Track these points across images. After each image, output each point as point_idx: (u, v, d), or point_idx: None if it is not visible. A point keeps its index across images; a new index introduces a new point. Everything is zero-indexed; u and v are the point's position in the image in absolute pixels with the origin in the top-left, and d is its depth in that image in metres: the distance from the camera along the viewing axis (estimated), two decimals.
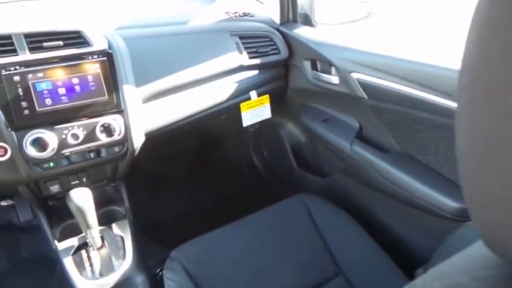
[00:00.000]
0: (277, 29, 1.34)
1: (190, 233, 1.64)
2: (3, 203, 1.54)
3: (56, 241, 1.12)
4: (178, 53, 1.17)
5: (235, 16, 1.35)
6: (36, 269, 1.49)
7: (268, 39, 1.31)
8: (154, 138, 1.14)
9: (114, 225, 1.15)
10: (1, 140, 0.92)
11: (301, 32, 1.30)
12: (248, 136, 1.85)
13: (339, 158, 1.31)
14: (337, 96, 1.23)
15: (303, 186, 1.59)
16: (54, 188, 1.14)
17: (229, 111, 1.30)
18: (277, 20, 1.38)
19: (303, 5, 1.33)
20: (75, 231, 1.18)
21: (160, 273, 1.37)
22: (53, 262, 1.41)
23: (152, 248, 1.43)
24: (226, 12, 1.35)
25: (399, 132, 1.10)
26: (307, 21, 1.34)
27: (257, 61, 1.28)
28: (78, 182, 1.16)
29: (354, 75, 1.10)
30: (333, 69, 1.19)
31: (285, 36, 1.32)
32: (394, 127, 1.11)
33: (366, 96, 1.10)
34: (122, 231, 1.14)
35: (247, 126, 1.60)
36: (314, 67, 1.28)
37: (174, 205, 1.69)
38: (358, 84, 1.10)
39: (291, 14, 1.35)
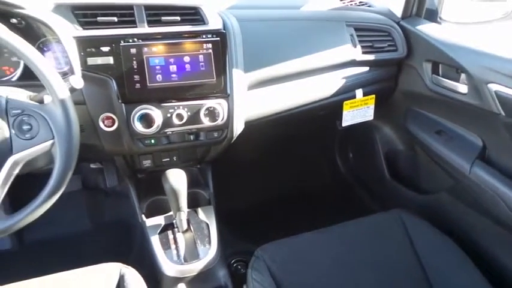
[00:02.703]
0: (398, 23, 1.20)
1: (263, 225, 1.61)
2: (93, 166, 1.62)
3: (143, 215, 1.13)
4: (290, 40, 1.08)
5: (351, 5, 1.24)
6: (115, 232, 1.54)
7: (386, 33, 1.17)
8: (251, 127, 1.09)
9: (199, 210, 1.13)
10: (111, 111, 0.92)
11: (426, 29, 1.14)
12: (334, 135, 1.74)
13: (449, 176, 1.15)
14: (459, 107, 1.07)
15: (393, 198, 1.45)
16: (147, 163, 1.14)
17: (331, 107, 1.20)
18: (397, 13, 1.23)
19: None
20: (160, 208, 1.18)
21: (235, 264, 1.35)
22: (132, 230, 1.46)
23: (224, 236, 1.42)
24: (341, 0, 1.24)
25: None
26: (432, 17, 1.18)
27: (371, 57, 1.15)
28: (168, 159, 1.15)
29: (493, 87, 0.93)
30: (463, 76, 1.03)
31: (405, 31, 1.18)
32: None
33: (503, 113, 0.93)
34: (207, 217, 1.11)
35: (337, 124, 1.49)
36: (435, 71, 1.13)
37: (247, 194, 1.65)
38: (495, 98, 0.93)
39: (415, 8, 1.19)
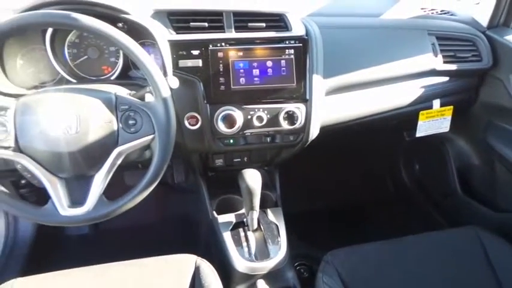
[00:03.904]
0: (483, 33, 1.15)
1: (325, 231, 1.60)
2: None
3: (214, 212, 1.18)
4: (369, 47, 1.08)
5: (433, 13, 1.21)
6: (181, 226, 1.61)
7: (470, 43, 1.13)
8: (325, 133, 1.10)
9: (268, 211, 1.16)
10: (195, 111, 0.97)
11: None
12: (400, 146, 1.70)
13: None
14: None
15: (464, 215, 1.38)
16: (219, 162, 1.19)
17: (405, 117, 1.18)
18: (482, 22, 1.18)
19: None
20: (229, 206, 1.23)
21: (297, 267, 1.36)
22: (198, 225, 1.52)
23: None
24: (422, 8, 1.22)
25: None
26: None
27: (452, 67, 1.12)
28: (239, 160, 1.19)
29: None
30: None
31: (492, 42, 1.13)
32: None
33: None
34: (276, 218, 1.13)
35: (404, 135, 1.45)
36: None
37: (310, 199, 1.65)
38: None
39: (503, 17, 1.14)
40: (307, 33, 0.99)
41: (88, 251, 1.55)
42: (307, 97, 0.99)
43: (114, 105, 0.78)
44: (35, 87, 0.95)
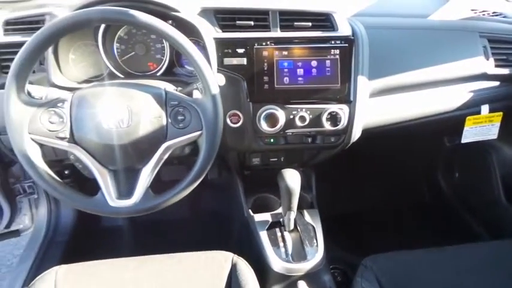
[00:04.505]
0: None
1: (358, 235, 1.57)
2: (196, 158, 1.73)
3: (250, 210, 1.18)
4: (416, 49, 1.05)
5: (484, 15, 1.16)
6: (212, 223, 1.63)
7: None
8: (366, 135, 1.08)
9: (305, 212, 1.15)
10: (238, 109, 0.98)
11: None
12: (440, 152, 1.64)
13: None
14: None
15: (508, 225, 1.32)
16: (256, 161, 1.19)
17: (451, 122, 1.14)
18: None
19: None
20: (264, 205, 1.23)
21: (331, 271, 1.34)
22: (231, 222, 1.53)
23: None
24: (472, 10, 1.17)
25: None
26: None
27: (504, 71, 1.07)
28: (276, 160, 1.19)
29: None
30: None
31: None
32: None
33: None
34: (313, 220, 1.12)
35: (445, 141, 1.40)
36: None
37: (344, 202, 1.63)
38: None
39: None
40: (354, 33, 0.97)
41: (122, 242, 1.59)
42: (351, 98, 0.97)
43: (164, 100, 0.79)
44: (85, 81, 0.99)
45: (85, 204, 0.79)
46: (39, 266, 1.28)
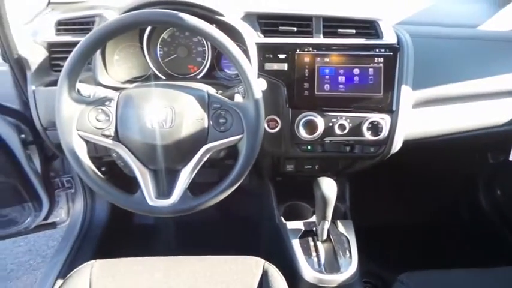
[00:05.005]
0: None
1: (391, 250, 1.52)
2: (228, 162, 1.74)
3: (282, 218, 1.17)
4: (464, 60, 1.02)
5: None
6: (240, 227, 1.62)
7: None
8: (406, 147, 1.04)
9: (338, 223, 1.12)
10: (276, 114, 0.97)
11: None
12: (481, 168, 1.57)
13: None
14: None
15: None
16: (290, 167, 1.18)
17: (498, 137, 1.09)
18: None
19: None
20: (296, 213, 1.21)
21: (364, 284, 1.30)
22: (260, 227, 1.51)
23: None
24: None
25: None
26: None
27: None
28: (310, 167, 1.17)
29: None
30: None
31: None
32: None
33: None
34: (346, 231, 1.10)
35: (488, 157, 1.33)
36: None
37: (377, 215, 1.58)
38: None
39: None
40: (399, 41, 0.95)
41: (152, 240, 1.61)
42: (394, 108, 0.95)
43: (206, 103, 0.80)
44: (127, 82, 1.01)
45: (125, 202, 0.80)
46: (73, 258, 1.31)
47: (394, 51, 0.94)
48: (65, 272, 1.20)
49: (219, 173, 1.67)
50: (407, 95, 0.95)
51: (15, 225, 1.33)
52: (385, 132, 0.95)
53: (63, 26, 0.99)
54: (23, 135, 1.14)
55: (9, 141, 1.13)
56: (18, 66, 0.97)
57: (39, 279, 1.25)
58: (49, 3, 1.16)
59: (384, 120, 0.95)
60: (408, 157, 1.48)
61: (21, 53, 0.95)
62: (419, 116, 1.00)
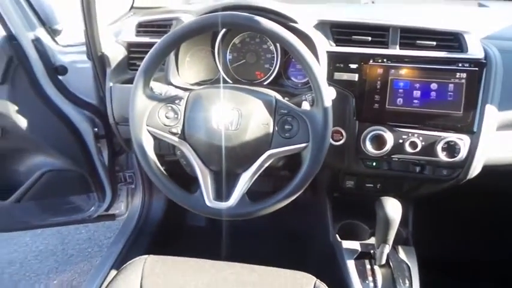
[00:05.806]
0: None
1: (457, 284, 1.38)
2: (283, 173, 1.71)
3: (337, 236, 1.11)
4: None
5: None
6: (291, 239, 1.58)
7: None
8: (485, 172, 0.94)
9: (399, 249, 1.04)
10: (341, 126, 0.93)
11: None
12: None
13: None
14: None
15: None
16: (349, 184, 1.12)
17: None
18: None
19: None
20: (351, 232, 1.14)
21: None
22: (311, 243, 1.46)
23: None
24: None
25: None
26: None
27: None
28: (371, 186, 1.11)
29: None
30: None
31: None
32: None
33: None
34: (408, 258, 1.01)
35: None
36: None
37: (441, 243, 1.45)
38: None
39: None
40: (486, 56, 0.87)
41: (202, 242, 1.63)
42: (475, 129, 0.86)
43: (273, 108, 0.78)
44: (196, 84, 1.03)
45: (184, 200, 0.81)
46: (128, 251, 1.36)
47: (479, 66, 0.86)
48: (119, 263, 1.24)
49: (274, 183, 1.65)
50: (491, 115, 0.86)
51: (81, 212, 1.41)
52: (462, 154, 0.86)
53: (143, 27, 1.04)
54: (96, 129, 1.22)
55: (84, 134, 1.22)
56: (100, 63, 1.03)
57: (95, 267, 1.31)
58: (132, 7, 1.25)
59: (462, 141, 0.86)
60: (486, 183, 1.34)
61: (104, 52, 1.02)
62: (504, 140, 0.90)
